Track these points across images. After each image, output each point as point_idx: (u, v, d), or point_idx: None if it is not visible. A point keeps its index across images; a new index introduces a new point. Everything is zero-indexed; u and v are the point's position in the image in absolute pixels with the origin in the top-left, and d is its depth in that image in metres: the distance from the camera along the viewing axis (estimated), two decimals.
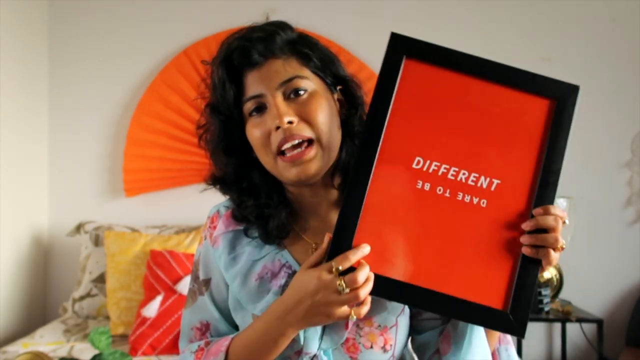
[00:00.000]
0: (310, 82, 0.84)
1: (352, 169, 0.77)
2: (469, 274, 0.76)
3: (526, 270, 0.76)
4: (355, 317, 0.74)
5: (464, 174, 0.76)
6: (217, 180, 0.92)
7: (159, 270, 2.14)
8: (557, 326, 2.66)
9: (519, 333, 0.75)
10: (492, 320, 0.76)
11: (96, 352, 1.73)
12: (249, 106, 0.84)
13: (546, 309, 2.41)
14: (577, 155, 2.61)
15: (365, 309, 0.75)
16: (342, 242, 0.75)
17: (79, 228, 2.54)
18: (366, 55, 2.61)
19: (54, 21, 2.74)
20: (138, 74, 2.72)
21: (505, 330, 0.77)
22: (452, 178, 0.76)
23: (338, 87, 0.90)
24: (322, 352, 0.83)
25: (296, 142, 0.81)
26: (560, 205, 2.43)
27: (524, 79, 0.78)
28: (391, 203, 0.76)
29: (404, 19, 2.68)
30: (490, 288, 0.76)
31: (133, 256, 2.30)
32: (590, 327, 2.58)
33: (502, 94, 0.77)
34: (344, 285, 0.71)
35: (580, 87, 0.78)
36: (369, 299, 0.75)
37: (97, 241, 2.46)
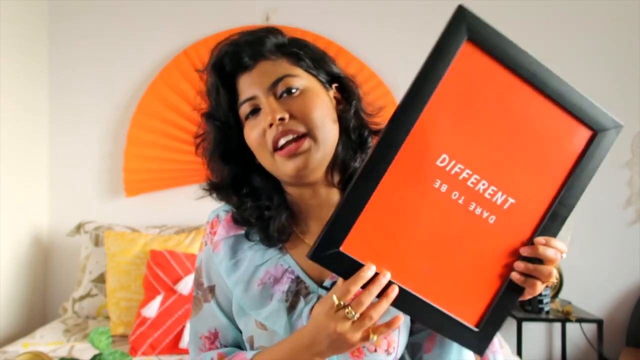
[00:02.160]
0: (302, 80, 0.84)
1: (377, 144, 0.70)
2: (455, 285, 0.74)
3: (508, 295, 0.74)
4: (375, 337, 0.73)
5: (483, 184, 0.73)
6: (213, 187, 0.91)
7: (159, 270, 2.14)
8: (557, 326, 2.66)
9: (478, 351, 0.75)
10: (458, 334, 0.75)
11: (96, 352, 1.73)
12: (244, 109, 0.85)
13: (546, 309, 2.41)
14: None
15: (386, 330, 0.73)
16: (342, 223, 0.71)
17: (79, 228, 2.54)
18: (366, 55, 2.60)
19: (54, 21, 2.74)
20: (138, 74, 2.72)
21: (465, 345, 0.76)
22: (471, 186, 0.72)
23: (334, 85, 0.90)
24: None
25: (290, 137, 0.81)
26: None
27: (576, 102, 0.72)
28: (403, 196, 0.72)
29: (404, 20, 2.68)
30: (470, 304, 0.75)
31: (133, 256, 2.30)
32: (590, 327, 2.58)
33: (549, 111, 0.72)
34: (353, 312, 0.71)
35: (617, 117, 0.74)
36: (399, 319, 0.73)
37: (97, 241, 2.46)
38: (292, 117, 0.82)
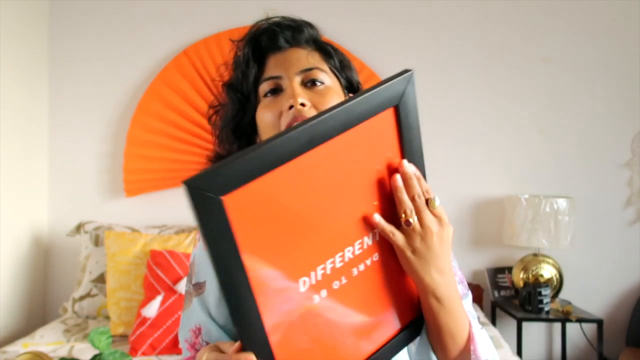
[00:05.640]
0: (328, 77, 0.86)
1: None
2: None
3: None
4: None
5: (348, 250, 0.65)
6: (219, 158, 0.92)
7: (159, 270, 2.14)
8: (557, 326, 2.66)
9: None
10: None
11: (96, 352, 1.73)
12: (264, 87, 0.86)
13: (546, 308, 2.41)
14: (577, 155, 2.61)
15: None
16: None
17: (79, 228, 2.54)
18: (366, 55, 2.60)
19: (54, 21, 2.74)
20: (138, 74, 2.72)
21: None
22: (341, 264, 0.64)
23: (349, 94, 0.91)
24: None
25: None
26: (560, 206, 2.43)
27: (349, 114, 0.61)
28: (294, 329, 0.61)
29: (404, 19, 2.68)
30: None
31: (133, 256, 2.30)
32: (590, 327, 2.58)
33: (337, 145, 0.61)
34: None
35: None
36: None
37: (97, 241, 2.46)
38: (311, 106, 0.82)
